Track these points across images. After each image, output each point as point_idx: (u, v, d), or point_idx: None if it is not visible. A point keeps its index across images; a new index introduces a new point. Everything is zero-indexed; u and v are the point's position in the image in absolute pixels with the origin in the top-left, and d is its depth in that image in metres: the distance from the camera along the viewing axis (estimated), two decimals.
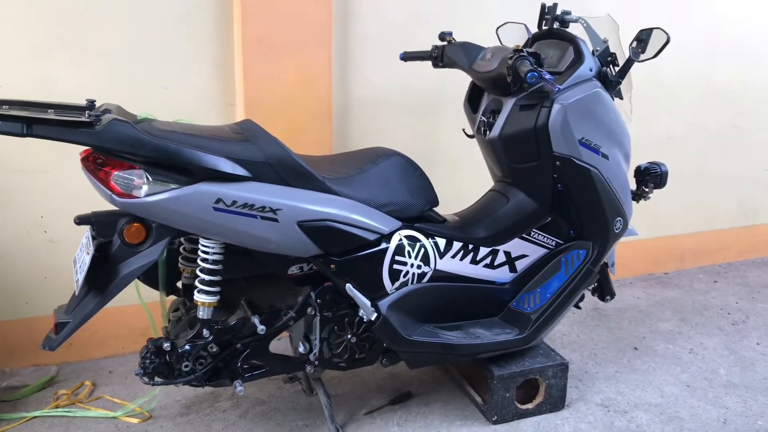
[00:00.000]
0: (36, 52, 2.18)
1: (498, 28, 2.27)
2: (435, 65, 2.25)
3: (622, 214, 2.10)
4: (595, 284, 2.33)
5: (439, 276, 1.98)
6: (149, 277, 1.86)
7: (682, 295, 3.25)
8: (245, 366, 1.83)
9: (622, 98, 2.17)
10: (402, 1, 2.63)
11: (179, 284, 1.95)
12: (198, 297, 1.74)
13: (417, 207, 1.97)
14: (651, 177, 2.19)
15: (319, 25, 2.40)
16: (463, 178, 2.71)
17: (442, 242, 1.98)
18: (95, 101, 1.60)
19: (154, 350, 1.72)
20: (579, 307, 2.34)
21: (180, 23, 2.31)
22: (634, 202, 2.23)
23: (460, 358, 2.06)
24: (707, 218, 3.59)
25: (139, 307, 1.90)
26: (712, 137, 3.47)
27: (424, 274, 1.95)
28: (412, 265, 1.91)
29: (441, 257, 1.97)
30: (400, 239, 1.89)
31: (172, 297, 1.96)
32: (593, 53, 2.05)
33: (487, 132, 2.08)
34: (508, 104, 2.02)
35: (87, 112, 1.51)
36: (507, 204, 2.13)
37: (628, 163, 2.15)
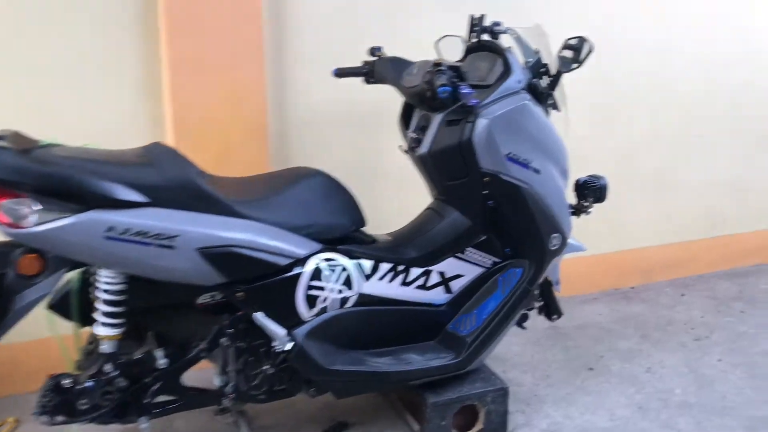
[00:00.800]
0: None
1: (437, 42, 2.20)
2: (367, 81, 2.18)
3: (558, 230, 2.02)
4: (540, 303, 2.24)
5: (366, 300, 1.90)
6: (64, 307, 1.77)
7: (647, 310, 3.16)
8: (155, 401, 1.75)
9: (559, 110, 2.10)
10: (340, 17, 2.57)
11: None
12: (98, 330, 1.65)
13: (340, 228, 1.89)
14: (590, 191, 2.12)
15: (250, 41, 2.33)
16: (409, 195, 2.62)
17: (367, 264, 1.89)
18: None
19: (53, 387, 1.63)
20: (523, 327, 2.25)
21: (101, 43, 2.24)
22: (574, 217, 2.15)
23: (390, 385, 1.97)
24: (674, 229, 3.50)
25: (70, 338, 1.80)
26: (675, 146, 3.39)
27: (347, 299, 1.86)
28: (332, 290, 1.83)
29: (367, 280, 1.89)
30: (318, 263, 1.80)
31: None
32: (525, 65, 1.98)
33: (416, 149, 2.01)
34: (436, 120, 1.95)
35: None
36: (441, 222, 2.06)
37: (566, 177, 2.07)
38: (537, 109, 1.95)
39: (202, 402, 1.85)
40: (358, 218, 1.94)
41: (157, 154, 1.64)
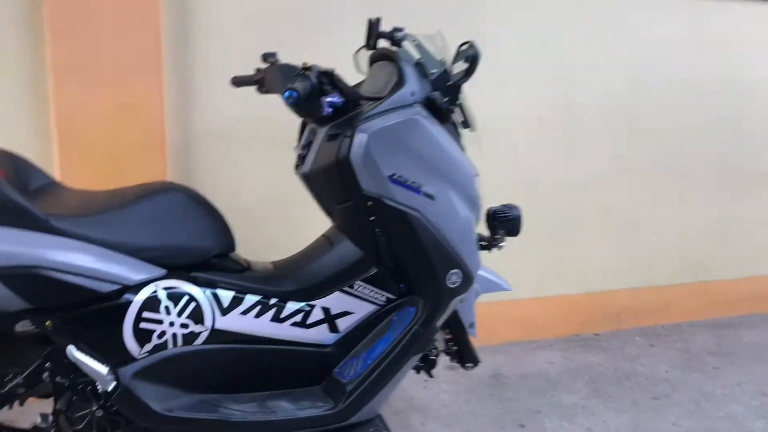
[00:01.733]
0: None
1: (355, 54, 1.98)
2: (259, 90, 1.96)
3: (458, 266, 1.75)
4: (453, 348, 1.97)
5: (224, 337, 1.64)
6: None
7: (606, 360, 2.83)
8: None
9: (472, 129, 1.85)
10: (252, 21, 2.37)
11: None
12: None
13: (197, 252, 1.65)
14: (500, 222, 1.84)
15: (145, 48, 2.14)
16: (326, 220, 2.39)
17: (227, 296, 1.64)
18: None
19: None
20: (430, 375, 1.97)
21: None
22: (485, 252, 1.88)
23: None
24: (646, 272, 3.19)
25: None
26: (645, 180, 3.10)
27: (195, 335, 1.60)
28: (172, 324, 1.57)
29: (224, 314, 1.63)
30: (155, 291, 1.55)
31: None
32: (429, 76, 1.74)
33: (300, 167, 1.77)
34: (320, 134, 1.72)
35: None
36: (330, 251, 1.81)
37: (475, 206, 1.80)
38: (433, 127, 1.69)
39: None
40: (223, 242, 1.70)
41: None
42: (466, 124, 1.85)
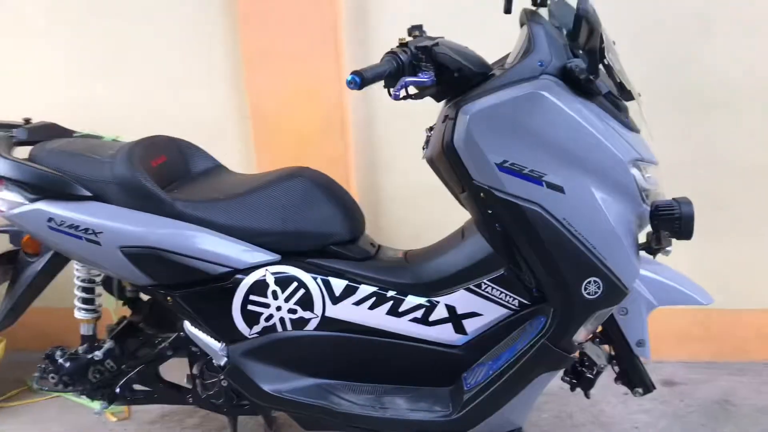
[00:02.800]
0: (80, 77, 2.47)
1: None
2: None
3: (598, 274, 1.44)
4: (615, 369, 1.66)
5: (336, 325, 1.63)
6: (108, 284, 1.94)
7: None
8: (130, 389, 1.79)
9: (631, 98, 1.50)
10: (427, 5, 2.24)
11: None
12: (76, 314, 1.76)
13: (313, 239, 1.65)
14: (662, 221, 1.44)
15: (324, 30, 2.19)
16: None
17: (339, 284, 1.61)
18: (30, 119, 1.78)
19: (48, 356, 1.79)
20: (587, 395, 1.69)
21: (192, 37, 2.36)
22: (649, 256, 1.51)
23: (360, 429, 1.67)
24: None
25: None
26: None
27: (305, 321, 1.62)
28: (279, 308, 1.61)
29: (335, 302, 1.61)
30: (264, 276, 1.60)
31: None
32: (568, 40, 1.45)
33: (425, 151, 1.65)
34: (440, 116, 1.57)
35: None
36: (460, 245, 1.67)
37: (632, 199, 1.45)
38: (567, 103, 1.39)
39: (173, 399, 1.82)
40: (345, 229, 1.67)
41: (122, 149, 1.65)
42: (626, 95, 1.49)
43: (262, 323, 1.61)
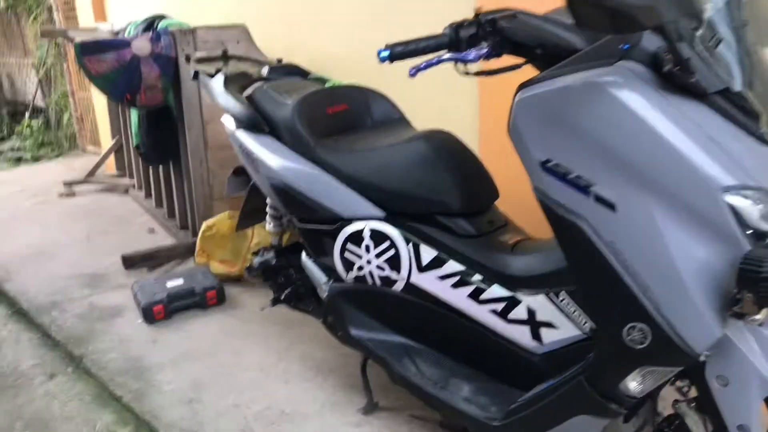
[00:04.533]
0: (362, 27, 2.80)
1: None
2: None
3: (647, 321, 1.16)
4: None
5: (420, 293, 1.65)
6: None
7: None
8: (296, 296, 2.13)
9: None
10: None
11: None
12: (266, 227, 2.17)
13: (417, 204, 1.67)
14: (743, 278, 1.05)
15: None
16: None
17: (429, 254, 1.62)
18: (282, 59, 2.26)
19: (254, 254, 2.26)
20: None
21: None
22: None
23: (417, 396, 1.69)
24: None
25: None
26: None
27: (392, 281, 1.69)
28: (369, 262, 1.70)
29: (421, 270, 1.64)
30: (361, 230, 1.70)
31: None
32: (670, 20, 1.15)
33: None
34: None
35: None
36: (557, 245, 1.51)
37: (716, 235, 1.11)
38: (644, 100, 1.12)
39: (315, 314, 2.07)
40: (458, 200, 1.64)
41: (304, 95, 1.92)
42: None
43: (355, 272, 1.74)
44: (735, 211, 1.08)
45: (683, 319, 1.14)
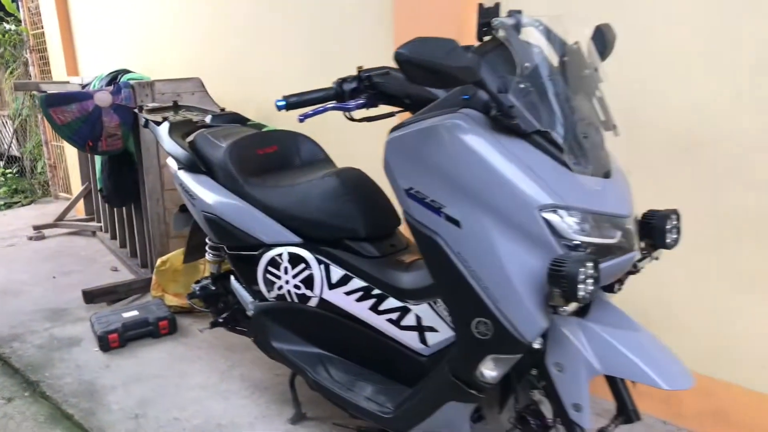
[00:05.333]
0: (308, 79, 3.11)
1: None
2: None
3: (489, 316, 1.42)
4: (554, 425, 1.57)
5: (331, 308, 1.91)
6: None
7: None
8: (232, 320, 2.37)
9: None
10: None
11: None
12: (206, 257, 2.42)
13: (329, 231, 1.93)
14: (552, 279, 1.32)
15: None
16: None
17: (337, 273, 1.88)
18: (225, 108, 2.54)
19: (197, 282, 2.50)
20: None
21: None
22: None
23: (329, 399, 1.93)
24: None
25: None
26: None
27: (307, 297, 1.94)
28: (287, 282, 1.95)
29: (331, 288, 1.90)
30: (280, 254, 1.96)
31: None
32: (505, 72, 1.45)
33: None
34: None
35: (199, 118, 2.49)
36: None
37: (536, 244, 1.38)
38: (479, 137, 1.40)
39: (246, 334, 2.31)
40: (363, 227, 1.90)
41: (237, 138, 2.19)
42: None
43: (276, 291, 1.99)
44: (550, 225, 1.36)
45: (515, 314, 1.39)
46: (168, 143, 2.33)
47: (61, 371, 2.77)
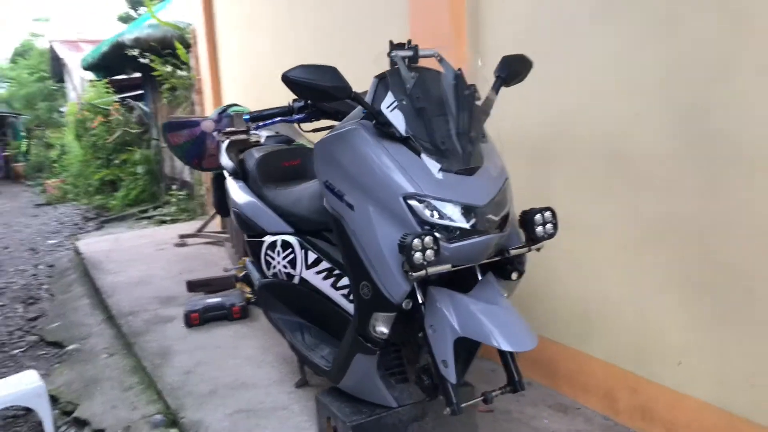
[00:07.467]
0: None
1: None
2: None
3: (369, 280, 1.81)
4: (425, 380, 1.90)
5: (307, 285, 2.36)
6: None
7: None
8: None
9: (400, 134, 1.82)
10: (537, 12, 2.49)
11: None
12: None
13: (312, 224, 2.39)
14: (400, 249, 1.68)
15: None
16: None
17: (312, 257, 2.33)
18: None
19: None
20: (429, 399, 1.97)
21: None
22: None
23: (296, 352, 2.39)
24: None
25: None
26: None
27: (292, 276, 2.41)
28: (278, 263, 2.44)
29: (307, 269, 2.36)
30: (275, 240, 2.46)
31: None
32: (389, 93, 1.86)
33: None
34: None
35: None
36: None
37: (401, 224, 1.74)
38: (369, 141, 1.81)
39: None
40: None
41: (267, 152, 2.76)
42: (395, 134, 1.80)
43: (272, 270, 2.50)
44: (411, 209, 1.72)
45: (386, 278, 1.75)
46: (223, 157, 2.96)
47: (152, 338, 3.50)
